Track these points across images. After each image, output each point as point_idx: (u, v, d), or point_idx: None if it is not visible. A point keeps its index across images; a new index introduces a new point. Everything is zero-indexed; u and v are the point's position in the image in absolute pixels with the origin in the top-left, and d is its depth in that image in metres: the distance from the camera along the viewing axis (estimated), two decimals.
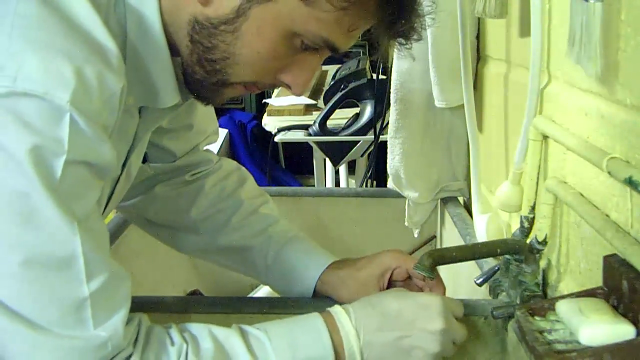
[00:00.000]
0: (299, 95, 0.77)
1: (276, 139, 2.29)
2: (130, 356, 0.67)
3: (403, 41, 0.76)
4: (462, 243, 1.22)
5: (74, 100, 0.60)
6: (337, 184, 2.53)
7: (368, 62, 2.54)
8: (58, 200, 0.60)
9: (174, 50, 0.73)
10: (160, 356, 0.68)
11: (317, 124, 2.20)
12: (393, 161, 1.42)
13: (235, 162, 1.12)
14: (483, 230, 1.12)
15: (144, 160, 0.95)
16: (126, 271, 0.69)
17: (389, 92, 1.41)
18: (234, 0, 0.68)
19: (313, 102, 2.54)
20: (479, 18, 1.20)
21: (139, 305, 0.75)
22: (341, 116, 2.25)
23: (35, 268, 0.61)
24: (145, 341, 0.69)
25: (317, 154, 2.38)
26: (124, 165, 0.82)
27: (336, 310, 0.78)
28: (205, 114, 1.04)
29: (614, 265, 0.65)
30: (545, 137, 0.84)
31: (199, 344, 0.70)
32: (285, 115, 2.46)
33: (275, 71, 0.74)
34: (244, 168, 1.11)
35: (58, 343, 0.62)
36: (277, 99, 2.53)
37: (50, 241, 0.61)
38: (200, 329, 0.72)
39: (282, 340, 0.73)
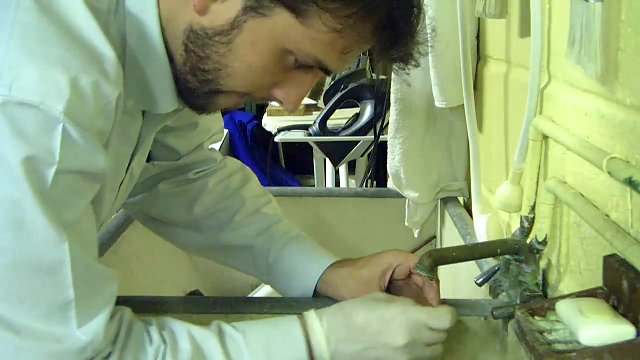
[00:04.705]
0: (291, 111, 0.77)
1: (276, 139, 2.29)
2: (109, 355, 0.67)
3: (400, 66, 0.76)
4: (462, 243, 1.21)
5: (68, 110, 0.60)
6: (337, 184, 2.53)
7: (368, 61, 2.54)
8: (48, 209, 0.61)
9: (171, 57, 0.73)
10: (138, 356, 0.69)
11: (317, 124, 2.20)
12: (393, 161, 1.42)
13: (239, 161, 1.12)
14: (483, 230, 1.12)
15: (148, 159, 0.95)
16: (113, 271, 0.70)
17: (389, 92, 1.41)
18: (230, 12, 0.68)
19: (313, 102, 2.54)
20: (479, 18, 1.21)
21: (139, 305, 0.75)
22: (341, 116, 2.26)
23: (21, 272, 0.62)
24: (125, 340, 0.69)
25: (317, 154, 2.38)
26: (127, 167, 0.82)
27: (309, 315, 0.79)
28: None
29: (614, 265, 0.65)
30: (545, 137, 0.84)
31: (178, 344, 0.71)
32: (285, 115, 2.46)
33: (268, 86, 0.74)
34: (248, 167, 1.11)
35: (40, 347, 0.63)
36: None
37: (39, 248, 0.62)
38: (179, 328, 0.73)
39: (258, 344, 0.75)
